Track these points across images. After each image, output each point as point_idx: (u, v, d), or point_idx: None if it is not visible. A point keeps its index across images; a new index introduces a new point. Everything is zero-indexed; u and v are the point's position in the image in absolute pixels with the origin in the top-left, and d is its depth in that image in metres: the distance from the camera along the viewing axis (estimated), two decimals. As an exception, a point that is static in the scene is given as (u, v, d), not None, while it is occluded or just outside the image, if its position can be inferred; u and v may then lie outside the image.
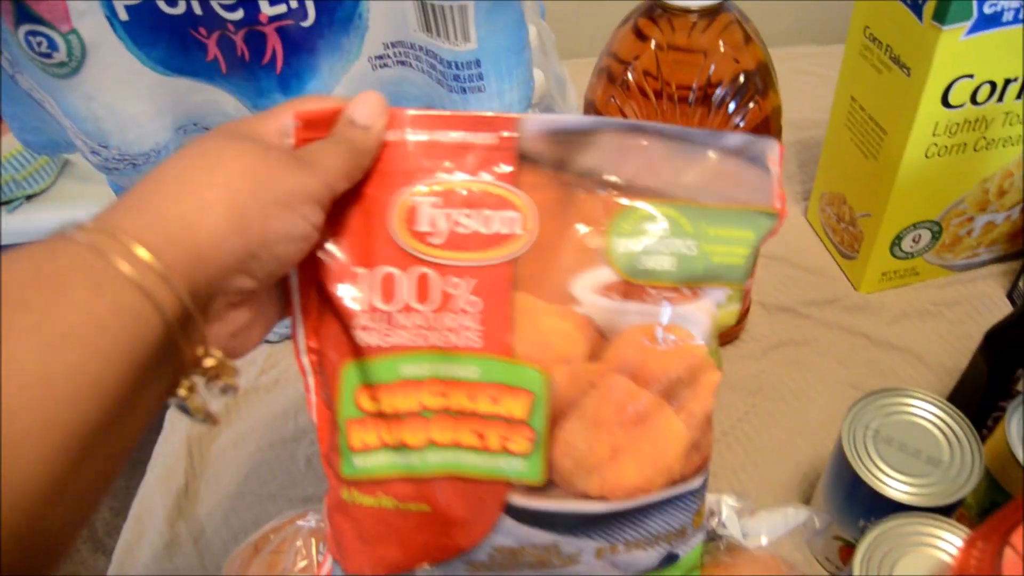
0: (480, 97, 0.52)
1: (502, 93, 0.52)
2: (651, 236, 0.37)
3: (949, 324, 0.66)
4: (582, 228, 0.37)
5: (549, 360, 0.36)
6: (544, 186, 0.36)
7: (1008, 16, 0.52)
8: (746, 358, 0.65)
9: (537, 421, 0.37)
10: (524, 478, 0.37)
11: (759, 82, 0.52)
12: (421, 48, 0.51)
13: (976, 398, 0.55)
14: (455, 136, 0.36)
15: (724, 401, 0.62)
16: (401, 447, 0.37)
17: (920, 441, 0.47)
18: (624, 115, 0.53)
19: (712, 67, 0.51)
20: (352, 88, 0.52)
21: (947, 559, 0.42)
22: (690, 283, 0.37)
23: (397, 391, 0.36)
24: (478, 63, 0.50)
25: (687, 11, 0.50)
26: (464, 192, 0.36)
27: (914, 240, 0.65)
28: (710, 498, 0.47)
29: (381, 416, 0.37)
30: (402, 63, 0.53)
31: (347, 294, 0.36)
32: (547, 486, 0.37)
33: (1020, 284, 0.65)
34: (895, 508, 0.44)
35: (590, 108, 0.55)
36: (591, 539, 0.39)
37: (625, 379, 0.37)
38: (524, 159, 0.36)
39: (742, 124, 0.52)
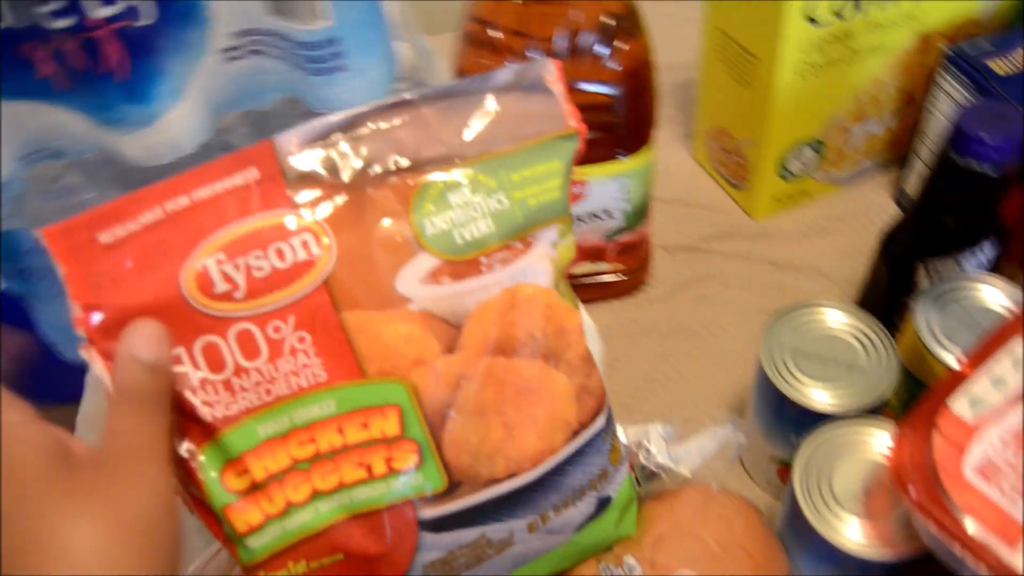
0: (342, 77, 0.49)
1: (365, 70, 0.50)
2: (456, 207, 0.35)
3: (845, 238, 0.67)
4: (384, 223, 0.34)
5: (403, 368, 0.35)
6: (325, 197, 0.34)
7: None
8: (655, 303, 0.65)
9: (414, 431, 0.35)
10: (424, 490, 0.36)
11: (628, 24, 0.52)
12: (273, 33, 0.48)
13: (882, 300, 0.56)
14: (213, 189, 0.33)
15: (640, 347, 0.62)
16: (289, 509, 0.35)
17: (836, 350, 0.47)
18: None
19: (578, 15, 0.50)
20: (208, 87, 0.49)
21: (881, 458, 0.42)
22: (517, 235, 0.36)
23: (264, 453, 0.34)
24: (336, 41, 0.48)
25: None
26: (245, 236, 0.33)
27: (799, 160, 0.65)
28: (636, 429, 0.46)
29: (256, 488, 0.34)
30: (256, 52, 0.50)
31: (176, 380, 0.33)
32: (452, 487, 0.36)
33: (905, 188, 0.67)
34: (822, 419, 0.45)
35: (461, 76, 0.53)
36: (517, 518, 0.38)
37: (493, 358, 0.36)
38: (292, 180, 0.33)
39: (618, 68, 0.51)
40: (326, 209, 0.33)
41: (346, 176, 0.34)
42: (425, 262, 0.35)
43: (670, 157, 0.75)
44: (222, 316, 0.33)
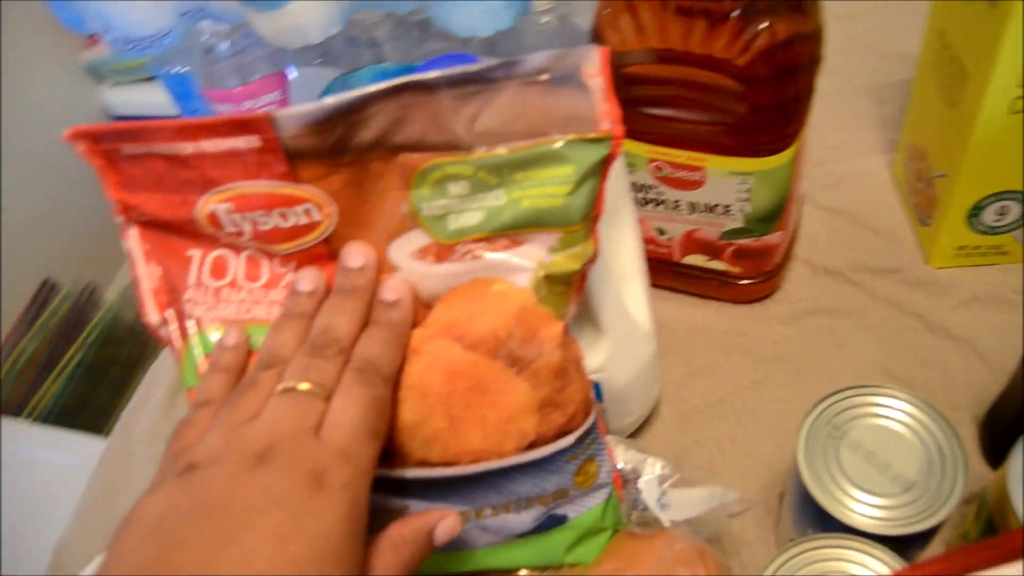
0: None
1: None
2: (453, 194, 0.34)
3: (1030, 319, 0.55)
4: (386, 195, 0.35)
5: None
6: (328, 174, 0.34)
7: None
8: (771, 321, 0.57)
9: None
10: None
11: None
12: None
13: (1011, 416, 0.46)
14: (217, 144, 0.34)
15: (732, 364, 0.56)
16: None
17: (896, 454, 0.39)
18: (617, 30, 0.46)
19: None
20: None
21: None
22: (504, 232, 0.34)
23: None
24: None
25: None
26: (250, 196, 0.35)
27: (998, 213, 0.54)
28: (638, 456, 0.43)
29: None
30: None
31: (187, 265, 0.37)
32: (385, 453, 0.35)
33: None
34: (846, 529, 0.38)
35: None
36: (448, 503, 0.37)
37: (450, 344, 0.35)
38: (294, 155, 0.33)
39: (756, 51, 0.43)
40: (328, 183, 0.34)
41: (350, 153, 0.34)
42: (417, 239, 0.36)
43: (866, 164, 0.66)
44: (236, 244, 0.36)
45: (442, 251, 0.35)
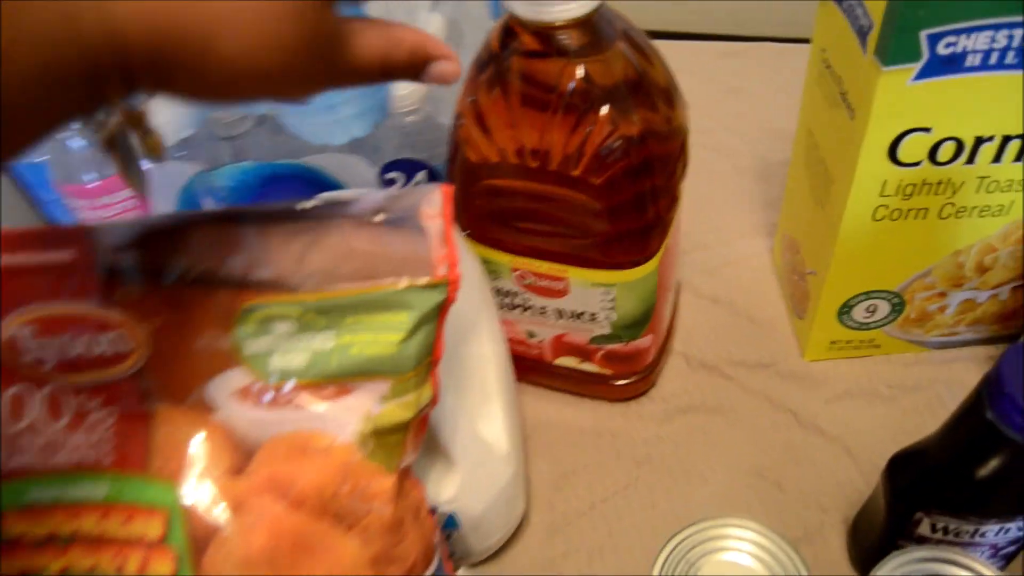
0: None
1: (343, 103, 0.45)
2: (278, 333, 0.32)
3: (902, 413, 0.54)
4: (206, 331, 0.32)
5: (185, 474, 0.32)
6: (144, 299, 0.32)
7: (973, 60, 0.40)
8: (645, 420, 0.56)
9: (177, 541, 0.32)
10: None
11: (634, 101, 0.42)
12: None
13: (875, 529, 0.45)
14: (26, 259, 0.31)
15: (604, 467, 0.54)
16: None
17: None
18: (481, 114, 0.43)
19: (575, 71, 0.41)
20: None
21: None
22: (331, 380, 0.32)
23: (26, 517, 0.33)
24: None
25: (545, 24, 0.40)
26: (57, 319, 0.32)
27: (868, 310, 0.53)
28: None
29: (12, 544, 0.33)
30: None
31: None
32: None
33: (998, 379, 0.53)
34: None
35: (458, 122, 0.46)
36: None
37: (273, 501, 0.32)
38: (109, 275, 0.31)
39: (608, 166, 0.42)
40: (143, 310, 0.32)
41: (169, 279, 0.32)
42: (239, 377, 0.33)
43: (748, 247, 0.65)
44: (37, 375, 0.32)
45: (265, 392, 0.33)
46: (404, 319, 0.32)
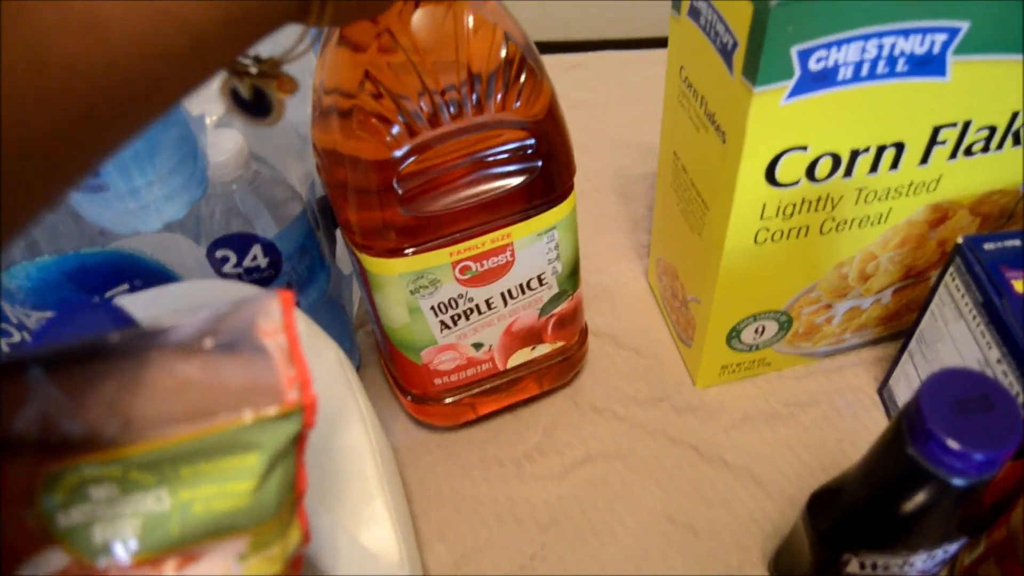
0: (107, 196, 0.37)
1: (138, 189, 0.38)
2: (97, 502, 0.25)
3: (803, 431, 0.53)
4: (6, 507, 0.25)
5: None
6: None
7: (845, 73, 0.38)
8: (543, 479, 0.52)
9: None
10: None
11: (521, 65, 0.40)
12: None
13: (801, 568, 0.42)
14: None
15: (511, 538, 0.49)
16: None
17: None
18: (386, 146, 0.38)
19: (458, 63, 0.38)
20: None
21: None
22: (175, 548, 0.26)
23: None
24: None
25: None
26: None
27: (757, 332, 0.51)
28: None
29: None
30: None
31: None
32: None
33: (891, 385, 0.52)
34: None
35: (333, 158, 0.40)
36: None
37: None
38: None
39: (532, 106, 0.40)
40: None
41: None
42: (55, 559, 0.26)
43: (622, 273, 0.62)
44: None
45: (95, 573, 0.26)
46: (254, 462, 0.26)
